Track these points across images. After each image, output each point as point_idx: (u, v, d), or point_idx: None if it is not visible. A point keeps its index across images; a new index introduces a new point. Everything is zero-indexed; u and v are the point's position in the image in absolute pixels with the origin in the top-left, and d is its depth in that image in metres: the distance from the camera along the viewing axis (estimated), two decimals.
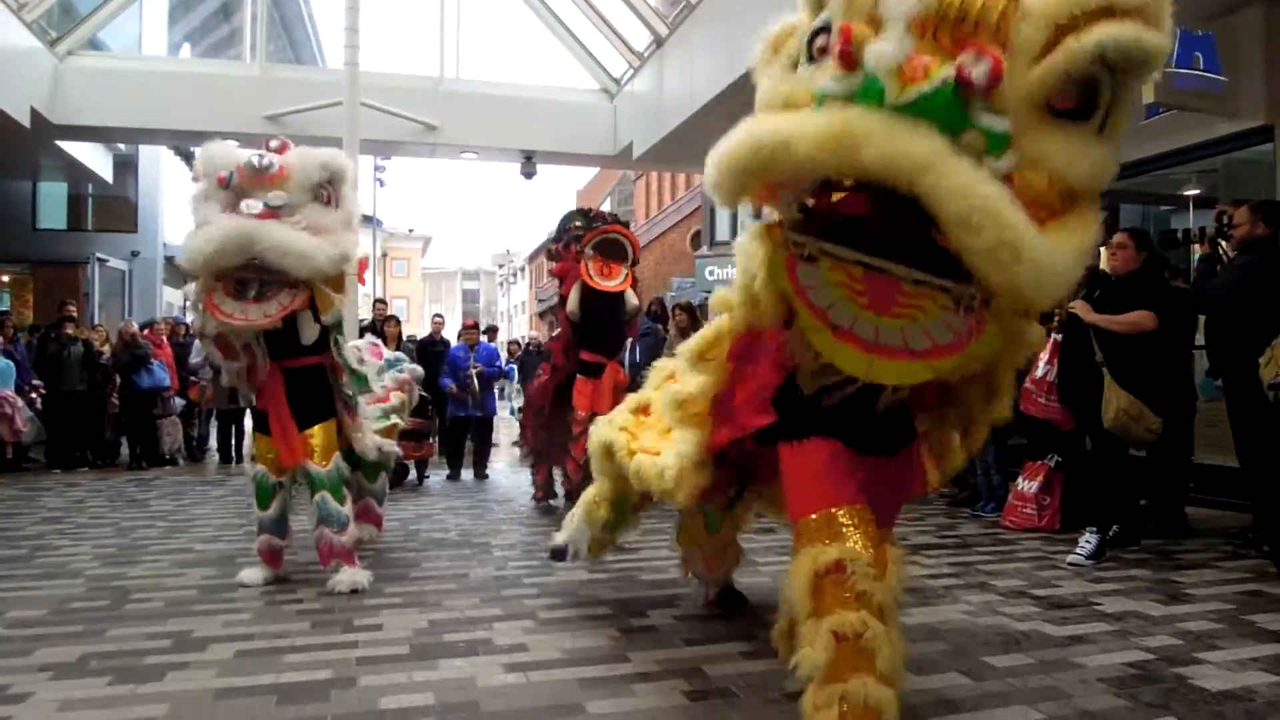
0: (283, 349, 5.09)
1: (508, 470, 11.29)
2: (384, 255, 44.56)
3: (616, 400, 7.35)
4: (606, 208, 35.21)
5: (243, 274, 4.84)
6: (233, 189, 4.78)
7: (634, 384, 8.79)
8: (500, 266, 69.63)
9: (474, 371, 10.16)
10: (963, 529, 6.71)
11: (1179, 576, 5.10)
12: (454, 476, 10.22)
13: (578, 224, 7.53)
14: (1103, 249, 5.63)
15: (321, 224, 4.97)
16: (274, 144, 5.08)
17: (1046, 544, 6.03)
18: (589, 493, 4.29)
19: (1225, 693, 3.30)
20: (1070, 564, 5.36)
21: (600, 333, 7.34)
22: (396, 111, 11.92)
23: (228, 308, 4.83)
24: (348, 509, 5.13)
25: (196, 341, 11.96)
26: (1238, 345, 5.37)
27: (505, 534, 6.66)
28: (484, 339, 11.14)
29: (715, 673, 3.52)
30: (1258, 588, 4.84)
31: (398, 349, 9.63)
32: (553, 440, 7.69)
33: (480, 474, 10.30)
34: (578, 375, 7.38)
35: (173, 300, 20.96)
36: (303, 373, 5.15)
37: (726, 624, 4.21)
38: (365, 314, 12.18)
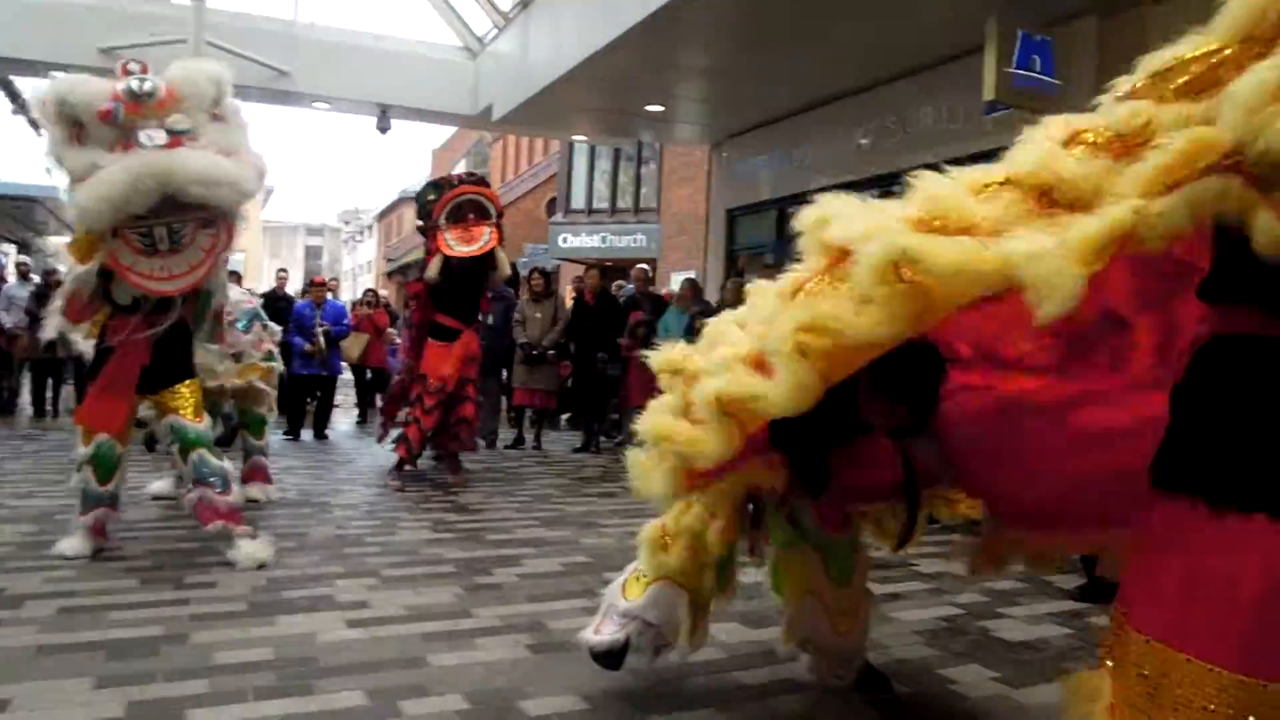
0: (158, 302, 4.43)
1: (349, 431, 11.05)
2: None
3: (466, 369, 7.25)
4: (461, 168, 34.58)
5: (147, 221, 4.14)
6: (120, 124, 4.10)
7: (489, 350, 8.70)
8: (346, 223, 67.32)
9: (320, 330, 9.89)
10: None
11: None
12: (293, 436, 9.90)
13: (430, 197, 7.20)
14: None
15: (229, 144, 4.33)
16: (134, 66, 4.34)
17: None
18: (654, 532, 2.91)
19: (1023, 643, 3.67)
20: None
21: (460, 297, 7.14)
22: (245, 54, 11.30)
23: (143, 267, 4.17)
24: (228, 464, 4.64)
25: (5, 285, 11.14)
26: None
27: (346, 494, 6.54)
28: (331, 296, 10.80)
29: (557, 626, 3.60)
30: None
31: None
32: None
33: (320, 434, 10.03)
34: (429, 339, 7.13)
35: None
36: (168, 328, 4.51)
37: (569, 581, 4.30)
38: None
